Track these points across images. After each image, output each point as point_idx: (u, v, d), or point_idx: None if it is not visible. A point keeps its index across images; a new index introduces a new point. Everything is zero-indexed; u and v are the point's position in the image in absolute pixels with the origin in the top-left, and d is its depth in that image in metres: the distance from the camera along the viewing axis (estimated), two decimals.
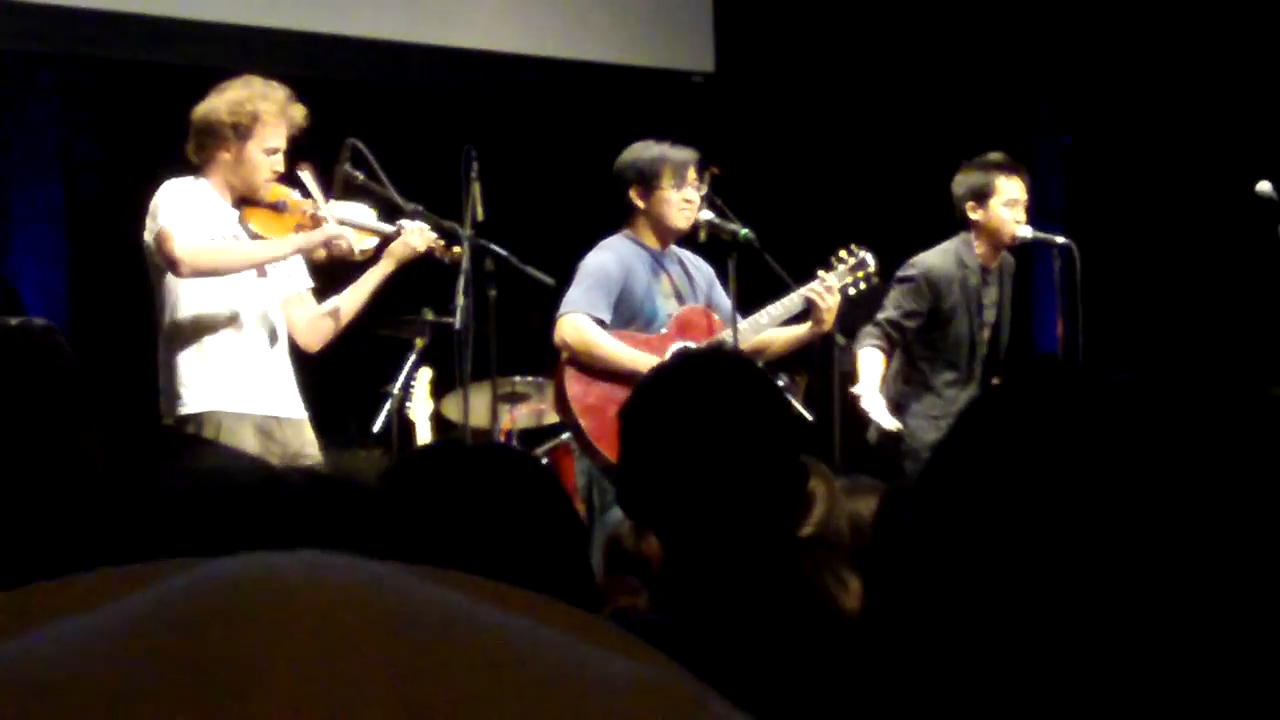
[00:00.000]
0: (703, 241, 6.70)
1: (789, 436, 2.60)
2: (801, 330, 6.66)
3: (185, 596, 0.51)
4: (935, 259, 7.18)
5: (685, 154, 6.60)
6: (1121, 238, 8.98)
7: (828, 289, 6.57)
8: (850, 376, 7.41)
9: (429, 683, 0.49)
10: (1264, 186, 7.49)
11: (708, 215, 6.59)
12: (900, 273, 7.18)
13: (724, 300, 6.66)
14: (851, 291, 6.73)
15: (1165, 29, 9.43)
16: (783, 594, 2.46)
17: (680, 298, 6.66)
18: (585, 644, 0.52)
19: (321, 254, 6.06)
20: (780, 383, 6.73)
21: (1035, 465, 1.02)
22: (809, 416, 7.00)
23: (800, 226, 8.61)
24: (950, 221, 7.34)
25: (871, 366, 7.04)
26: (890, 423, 6.92)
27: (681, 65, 9.77)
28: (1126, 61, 9.56)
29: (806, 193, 9.72)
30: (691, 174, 6.57)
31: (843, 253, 6.76)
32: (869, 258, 6.78)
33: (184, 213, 5.79)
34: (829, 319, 6.59)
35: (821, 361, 7.52)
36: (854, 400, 6.98)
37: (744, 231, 6.51)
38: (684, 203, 6.55)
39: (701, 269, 6.78)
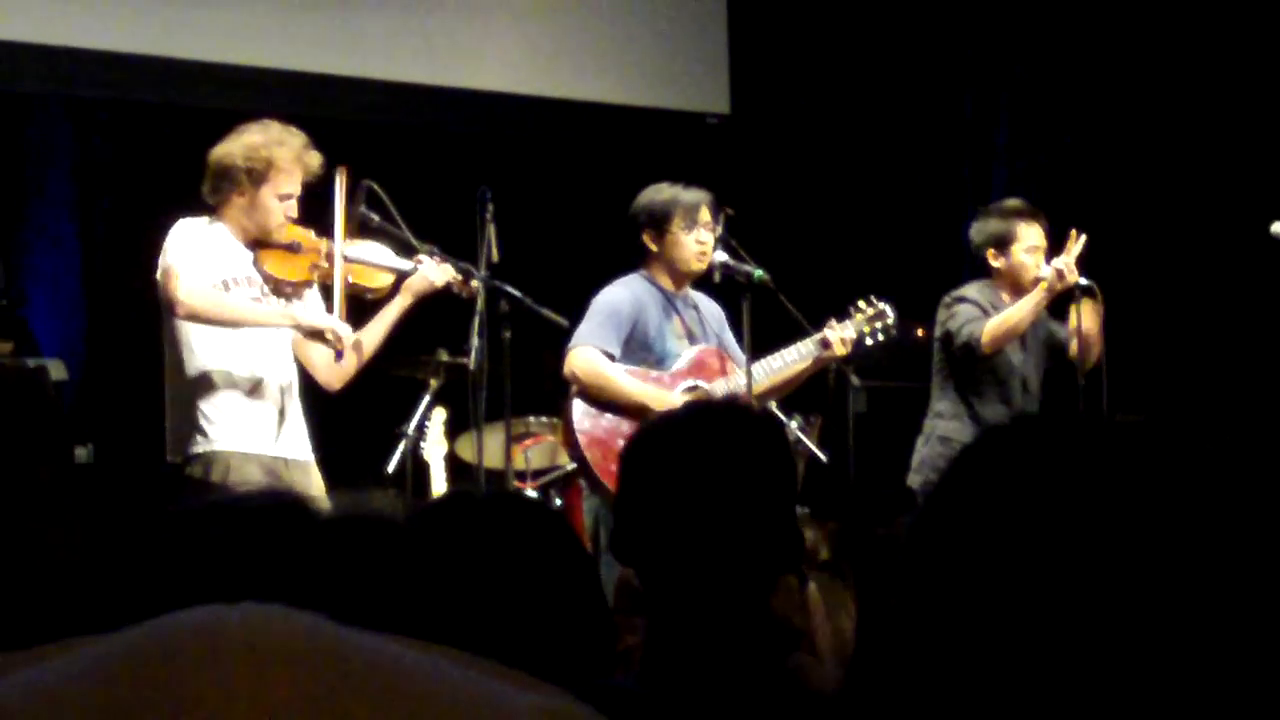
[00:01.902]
0: (717, 282, 6.70)
1: (790, 503, 2.57)
2: (804, 363, 6.63)
3: (133, 646, 0.55)
4: (974, 292, 7.18)
5: (697, 196, 6.61)
6: (1138, 280, 8.96)
7: (844, 338, 6.57)
8: (866, 418, 7.40)
9: (348, 706, 0.53)
10: (1278, 227, 7.48)
11: (722, 256, 6.60)
12: (950, 305, 7.13)
13: (733, 344, 6.67)
14: (869, 342, 6.73)
15: (1167, 64, 9.43)
16: (759, 666, 2.43)
17: (692, 339, 6.67)
18: (493, 679, 0.56)
19: (312, 340, 6.03)
20: (794, 424, 6.73)
21: (1031, 508, 1.02)
22: (824, 457, 6.98)
23: (815, 268, 8.61)
24: (959, 261, 7.33)
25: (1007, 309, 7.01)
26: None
27: (697, 107, 9.79)
28: (1142, 106, 9.55)
29: (822, 234, 9.72)
30: (704, 215, 6.57)
31: (861, 302, 6.76)
32: (888, 309, 6.78)
33: (193, 253, 5.80)
34: (843, 351, 6.59)
35: (837, 402, 7.51)
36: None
37: (758, 273, 6.51)
38: (696, 244, 6.56)
39: (713, 312, 6.78)
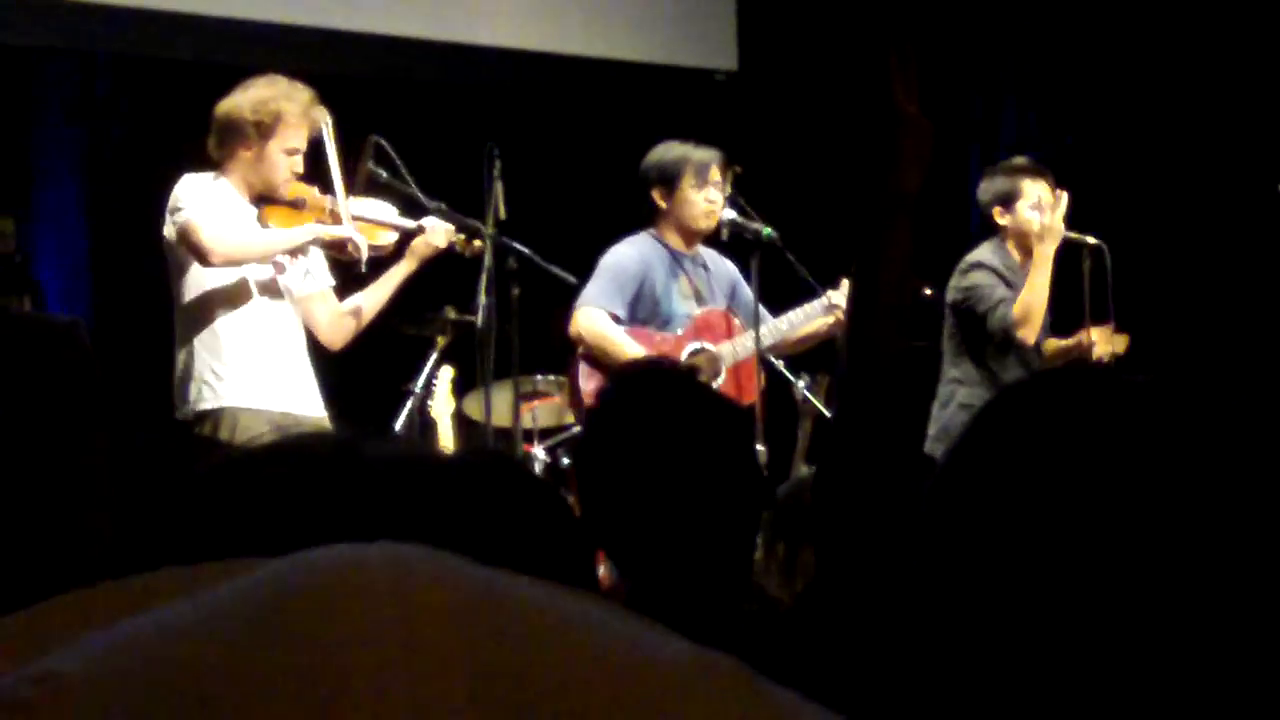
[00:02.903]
0: (725, 240, 6.69)
1: (733, 445, 2.54)
2: (822, 324, 6.64)
3: (267, 593, 0.54)
4: (986, 256, 7.17)
5: (707, 154, 6.59)
6: (1145, 239, 8.95)
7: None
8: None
9: (509, 678, 0.51)
10: None
11: (730, 214, 6.59)
12: (968, 273, 7.12)
13: (748, 299, 6.65)
14: None
15: (1176, 27, 9.41)
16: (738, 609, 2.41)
17: (700, 299, 6.66)
18: (645, 628, 0.55)
19: (334, 251, 6.06)
20: (801, 383, 6.73)
21: (1050, 465, 1.01)
22: (830, 415, 6.97)
23: (823, 225, 8.59)
24: (966, 217, 7.31)
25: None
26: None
27: (704, 63, 9.76)
28: (1144, 67, 9.53)
29: (830, 192, 9.69)
30: (714, 173, 6.56)
31: None
32: None
33: (207, 204, 5.80)
34: None
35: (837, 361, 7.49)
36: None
37: (767, 231, 6.50)
38: (706, 203, 6.55)
39: (724, 268, 6.76)
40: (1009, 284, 7.09)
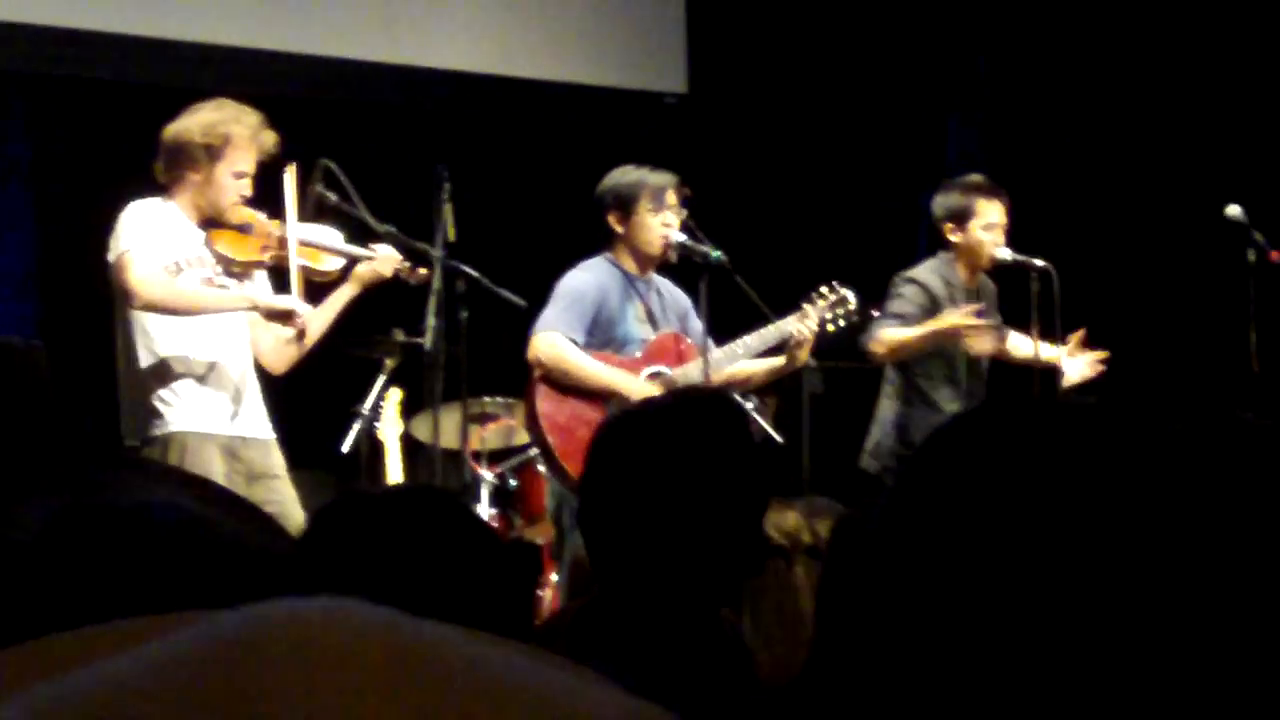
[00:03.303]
0: (674, 263, 6.69)
1: (758, 509, 2.52)
2: (778, 362, 6.67)
3: (208, 647, 0.55)
4: (924, 274, 7.20)
5: (664, 178, 6.60)
6: (1094, 262, 8.99)
7: (805, 322, 6.57)
8: (821, 399, 7.40)
9: (446, 712, 0.53)
10: (1233, 210, 7.52)
11: (679, 236, 6.59)
12: (897, 286, 7.17)
13: (698, 330, 6.65)
14: (830, 327, 6.72)
15: (1135, 53, 9.46)
16: (706, 658, 2.40)
17: (654, 323, 6.66)
18: (574, 676, 0.56)
19: (274, 321, 6.00)
20: (749, 404, 6.73)
21: (998, 492, 1.02)
22: (778, 438, 6.98)
23: (773, 248, 8.61)
24: (916, 241, 7.34)
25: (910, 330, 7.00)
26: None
27: (655, 86, 9.77)
28: (1096, 85, 9.58)
29: (780, 214, 9.72)
30: (670, 198, 6.57)
31: (824, 288, 6.75)
32: (850, 295, 6.77)
33: (146, 238, 5.77)
34: (805, 353, 6.59)
35: (791, 383, 7.51)
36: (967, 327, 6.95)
37: (716, 253, 6.50)
38: (663, 227, 6.55)
39: (679, 297, 6.77)
40: (950, 301, 7.12)
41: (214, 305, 5.88)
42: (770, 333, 6.60)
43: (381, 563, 2.05)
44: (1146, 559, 0.96)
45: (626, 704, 0.55)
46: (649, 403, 2.74)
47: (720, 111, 9.86)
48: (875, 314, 7.04)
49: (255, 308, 5.94)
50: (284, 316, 5.95)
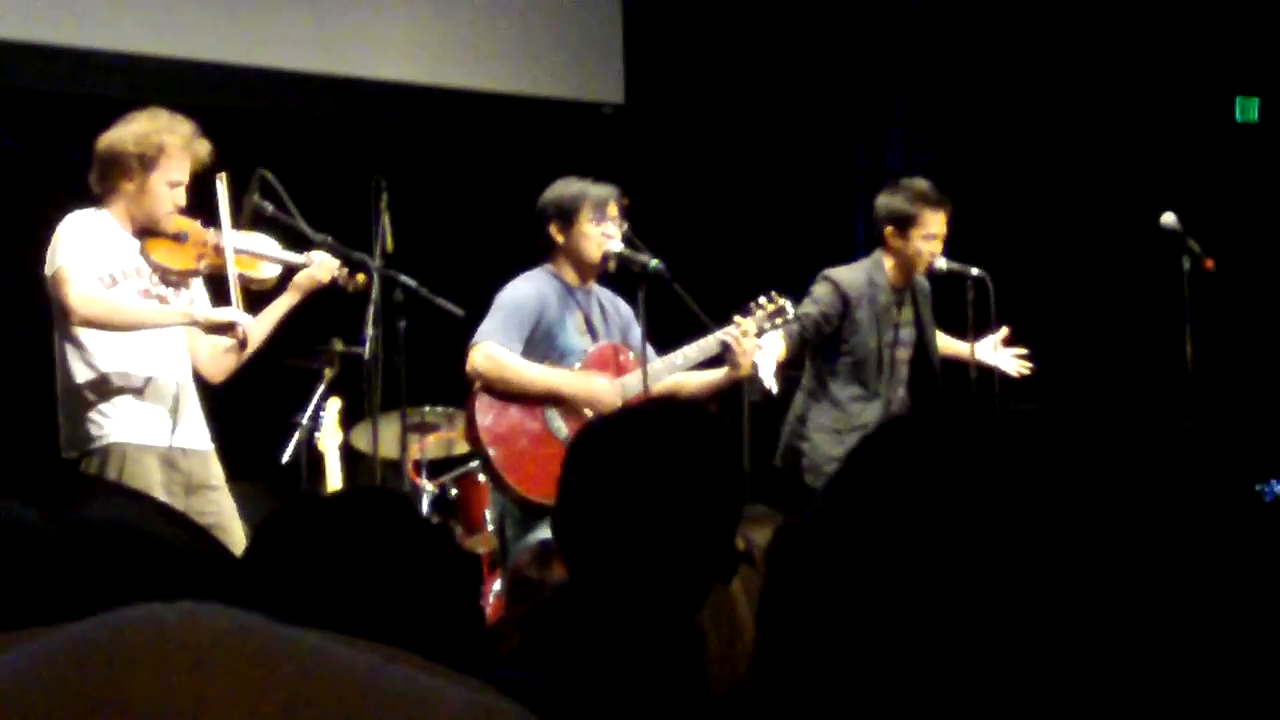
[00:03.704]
0: (612, 271, 6.69)
1: (731, 517, 2.53)
2: (718, 375, 6.67)
3: (65, 653, 0.55)
4: (846, 273, 7.22)
5: (605, 190, 6.60)
6: (1031, 269, 9.04)
7: (745, 333, 6.57)
8: (761, 407, 7.43)
9: (300, 710, 0.53)
10: (1169, 218, 7.57)
11: (617, 246, 6.59)
12: (814, 282, 7.20)
13: (639, 342, 6.65)
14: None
15: (1070, 61, 9.52)
16: (668, 668, 2.41)
17: (594, 334, 6.66)
18: (420, 673, 0.57)
19: (214, 333, 5.97)
20: None
21: (929, 498, 1.02)
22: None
23: (710, 257, 8.63)
24: (851, 249, 7.36)
25: (773, 342, 6.93)
26: (771, 382, 6.81)
27: (592, 96, 9.78)
28: (1032, 91, 9.64)
29: (716, 223, 9.74)
30: (612, 209, 6.57)
31: (762, 299, 6.76)
32: (788, 305, 6.79)
33: (83, 252, 5.74)
34: (746, 364, 6.60)
35: (731, 392, 7.52)
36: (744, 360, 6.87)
37: (654, 262, 6.50)
38: (603, 238, 6.56)
39: (621, 310, 6.77)
40: (870, 301, 7.15)
41: (153, 321, 5.85)
42: (710, 343, 6.61)
43: (334, 564, 2.05)
44: (1082, 563, 0.96)
45: (477, 700, 0.56)
46: (627, 409, 2.75)
47: (657, 121, 9.88)
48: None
49: (194, 323, 5.92)
50: (224, 329, 5.93)
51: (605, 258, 6.57)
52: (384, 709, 0.55)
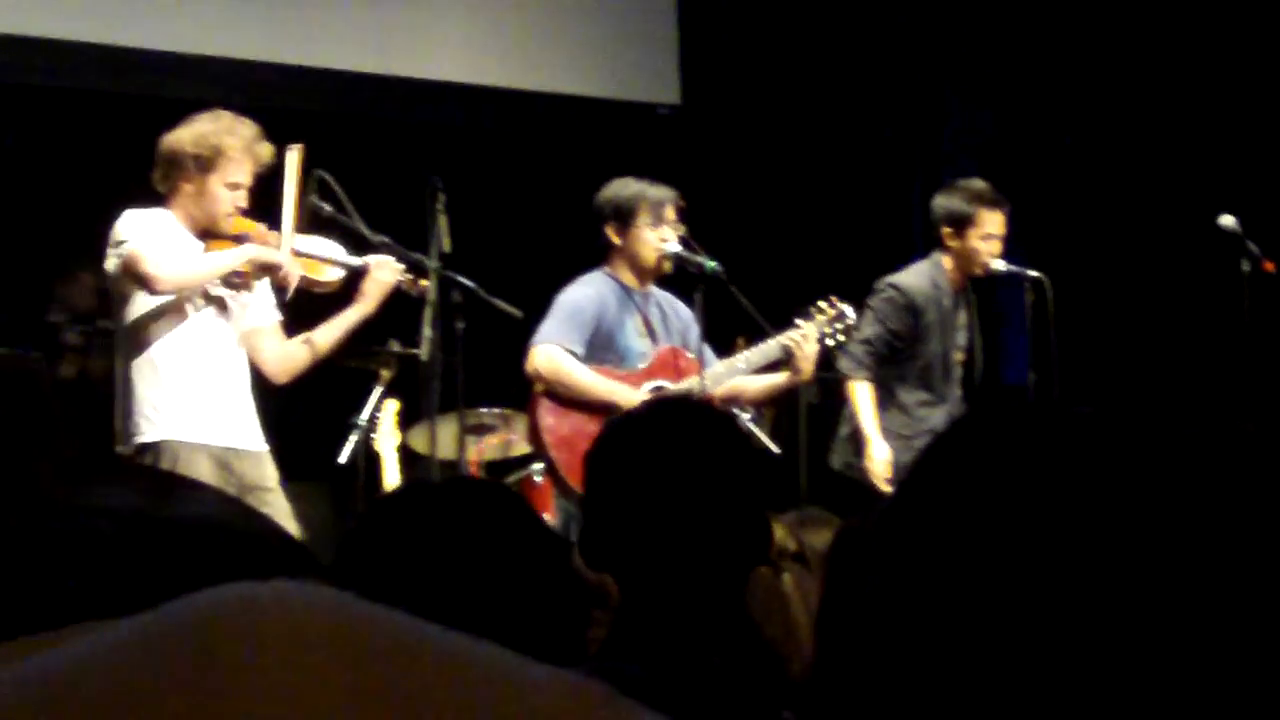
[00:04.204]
0: (670, 273, 6.69)
1: (755, 492, 2.55)
2: (780, 379, 6.66)
3: (155, 631, 0.56)
4: (911, 279, 7.19)
5: (663, 192, 6.60)
6: (1089, 271, 9.00)
7: (805, 337, 6.56)
8: (818, 410, 7.41)
9: (395, 698, 0.54)
10: (1227, 220, 7.53)
11: (675, 247, 6.58)
12: (877, 292, 7.18)
13: (698, 345, 6.64)
14: (829, 342, 6.72)
15: (1129, 63, 9.47)
16: (736, 645, 2.42)
17: (654, 337, 6.66)
18: (520, 659, 0.58)
19: (266, 274, 6.02)
20: (746, 415, 6.73)
21: (999, 500, 1.01)
22: (775, 449, 6.99)
23: (767, 258, 8.62)
24: (910, 250, 7.33)
25: (869, 405, 7.01)
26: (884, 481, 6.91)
27: (648, 97, 9.78)
28: (1093, 94, 9.59)
29: (773, 224, 9.73)
30: (669, 212, 6.57)
31: (822, 303, 6.74)
32: (849, 310, 6.77)
33: (150, 234, 5.78)
34: (808, 368, 6.58)
35: (787, 394, 7.52)
36: (867, 463, 6.95)
37: (711, 264, 6.50)
38: (660, 241, 6.55)
39: (680, 313, 6.76)
40: (935, 304, 7.13)
41: (222, 267, 5.89)
42: (771, 347, 6.60)
43: (437, 552, 2.07)
44: (1148, 567, 0.96)
45: (566, 676, 0.57)
46: (627, 417, 2.78)
47: (713, 122, 9.87)
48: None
49: (252, 260, 5.93)
50: (274, 269, 5.96)
51: (661, 260, 6.56)
52: (475, 682, 0.55)
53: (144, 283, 5.72)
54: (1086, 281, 8.74)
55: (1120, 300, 9.31)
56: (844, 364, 7.05)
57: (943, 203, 7.25)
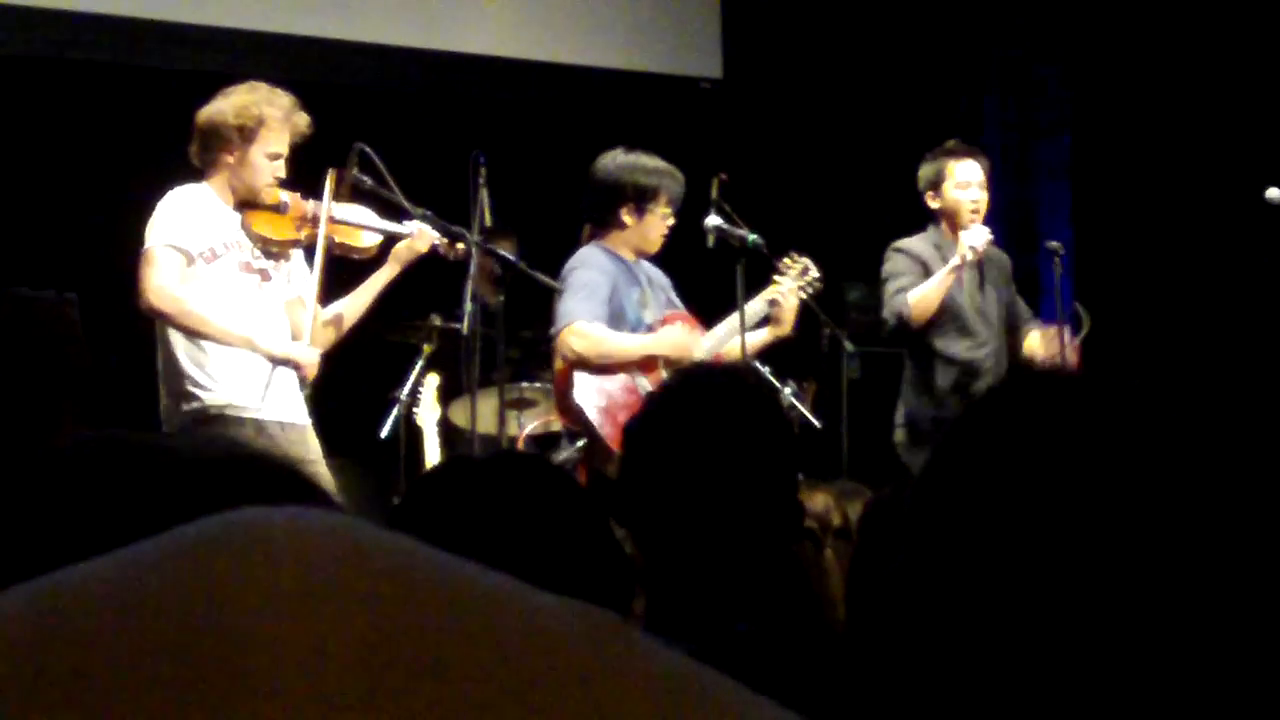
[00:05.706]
0: (711, 247, 6.69)
1: (791, 466, 2.54)
2: (764, 335, 6.68)
3: (180, 539, 0.57)
4: (913, 241, 7.28)
5: (681, 186, 6.62)
6: (1131, 243, 8.96)
7: (786, 293, 6.62)
8: (859, 384, 7.40)
9: (403, 619, 0.55)
10: (1274, 193, 7.47)
11: (716, 221, 6.59)
12: (887, 258, 7.21)
13: (680, 307, 6.70)
14: (803, 295, 6.73)
15: (1173, 33, 9.42)
16: (764, 615, 2.40)
17: (652, 306, 6.68)
18: (519, 583, 0.59)
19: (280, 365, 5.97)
20: (788, 390, 6.73)
21: (1030, 469, 1.01)
22: (817, 423, 6.98)
23: (809, 232, 8.60)
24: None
25: (930, 285, 7.05)
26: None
27: (690, 71, 9.77)
28: (1135, 64, 9.55)
29: (815, 198, 9.71)
30: (678, 203, 6.61)
31: (787, 260, 6.76)
32: (809, 263, 6.79)
33: (176, 236, 5.78)
34: (789, 320, 6.63)
35: (830, 368, 7.51)
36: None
37: (752, 237, 6.51)
38: (667, 229, 6.59)
39: (657, 277, 6.77)
40: (942, 263, 7.12)
41: (215, 336, 5.83)
42: (758, 305, 6.63)
43: (483, 525, 2.08)
44: (1181, 539, 0.95)
45: (585, 613, 0.58)
46: (663, 387, 2.76)
47: (755, 96, 9.85)
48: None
49: (255, 350, 5.88)
50: (288, 364, 5.93)
51: (706, 231, 6.58)
52: (490, 615, 0.56)
53: (139, 286, 5.75)
54: (1132, 255, 8.70)
55: (1166, 274, 9.26)
56: (890, 307, 7.05)
57: (920, 174, 7.33)
